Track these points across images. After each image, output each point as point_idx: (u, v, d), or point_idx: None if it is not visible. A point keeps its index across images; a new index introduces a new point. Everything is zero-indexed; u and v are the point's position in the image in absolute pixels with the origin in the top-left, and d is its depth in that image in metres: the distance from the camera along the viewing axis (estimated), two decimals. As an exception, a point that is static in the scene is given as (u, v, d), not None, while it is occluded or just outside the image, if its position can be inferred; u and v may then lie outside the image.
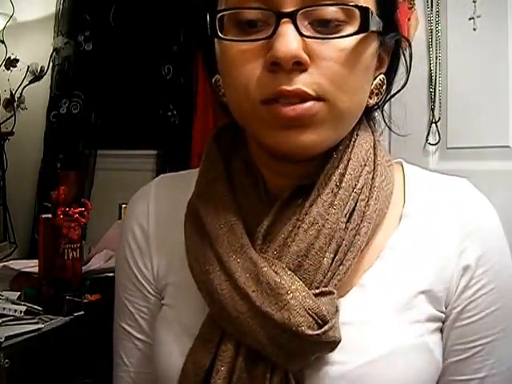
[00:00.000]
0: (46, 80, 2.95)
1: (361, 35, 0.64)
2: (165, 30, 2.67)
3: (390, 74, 0.75)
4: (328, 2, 0.62)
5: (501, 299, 0.71)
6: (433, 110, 1.86)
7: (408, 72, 0.77)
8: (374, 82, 0.72)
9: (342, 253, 0.66)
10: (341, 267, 0.67)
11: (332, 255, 0.66)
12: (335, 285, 0.66)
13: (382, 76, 0.72)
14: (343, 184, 0.68)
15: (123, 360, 0.84)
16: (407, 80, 0.78)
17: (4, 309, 1.53)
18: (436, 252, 0.71)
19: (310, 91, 0.63)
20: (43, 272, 1.69)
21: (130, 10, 2.81)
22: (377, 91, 0.72)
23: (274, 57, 0.61)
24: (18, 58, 3.00)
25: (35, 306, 1.57)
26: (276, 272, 0.65)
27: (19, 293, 1.67)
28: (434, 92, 1.86)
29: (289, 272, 0.65)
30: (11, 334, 1.40)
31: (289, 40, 0.61)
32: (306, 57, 0.62)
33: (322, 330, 0.63)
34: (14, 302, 1.58)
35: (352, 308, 0.68)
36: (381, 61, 0.72)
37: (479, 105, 1.77)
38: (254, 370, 0.66)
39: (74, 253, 1.71)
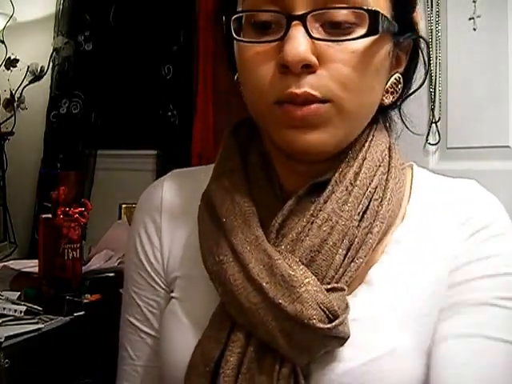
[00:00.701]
0: (46, 80, 2.95)
1: (371, 38, 0.65)
2: (165, 30, 2.67)
3: (409, 73, 0.76)
4: (338, 6, 0.63)
5: (500, 269, 0.70)
6: (433, 109, 1.86)
7: (426, 71, 0.78)
8: (390, 81, 0.72)
9: (354, 250, 0.67)
10: (352, 264, 0.68)
11: (344, 252, 0.67)
12: (346, 281, 0.67)
13: (397, 75, 0.73)
14: (358, 182, 0.69)
15: (129, 353, 0.84)
16: (425, 79, 0.78)
17: (4, 309, 1.53)
18: (440, 246, 0.71)
19: (317, 94, 0.64)
20: (43, 272, 1.70)
21: (129, 10, 2.81)
22: (392, 90, 0.73)
23: (284, 60, 0.63)
24: (18, 57, 3.00)
25: (35, 306, 1.57)
26: (289, 265, 0.66)
27: (19, 293, 1.68)
28: (434, 92, 1.86)
29: (302, 266, 0.66)
30: (11, 333, 1.41)
31: (298, 43, 0.62)
32: (314, 59, 0.63)
33: (333, 323, 0.63)
34: (14, 302, 1.59)
35: (359, 305, 0.68)
36: (398, 60, 0.73)
37: (479, 105, 1.77)
38: (263, 361, 0.66)
39: (74, 253, 1.71)
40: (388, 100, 0.73)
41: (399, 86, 0.73)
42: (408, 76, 0.76)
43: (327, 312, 0.64)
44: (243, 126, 0.80)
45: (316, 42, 0.63)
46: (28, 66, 2.98)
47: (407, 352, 0.67)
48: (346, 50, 0.64)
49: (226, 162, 0.76)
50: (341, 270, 0.67)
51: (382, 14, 0.65)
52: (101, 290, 1.72)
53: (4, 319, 1.49)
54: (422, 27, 1.86)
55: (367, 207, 0.69)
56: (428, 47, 0.77)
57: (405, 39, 0.72)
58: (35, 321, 1.51)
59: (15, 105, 3.00)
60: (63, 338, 1.55)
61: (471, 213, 0.72)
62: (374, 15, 0.64)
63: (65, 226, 1.70)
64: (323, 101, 0.64)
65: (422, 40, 0.76)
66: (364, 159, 0.70)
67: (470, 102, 1.79)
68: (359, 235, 0.68)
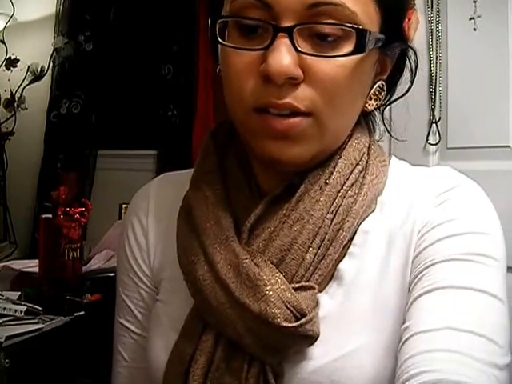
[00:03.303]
0: (47, 80, 2.95)
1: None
2: (165, 30, 2.67)
3: (393, 80, 0.75)
4: (325, 21, 0.62)
5: (460, 229, 0.68)
6: (433, 109, 1.86)
7: (412, 79, 0.77)
8: (373, 89, 0.72)
9: (324, 248, 0.68)
10: (322, 262, 0.68)
11: (315, 251, 0.67)
12: (316, 279, 0.68)
13: (381, 82, 0.72)
14: (330, 181, 0.69)
15: (122, 356, 0.85)
16: (411, 87, 0.78)
17: (4, 309, 1.53)
18: (409, 225, 0.69)
19: (300, 106, 0.63)
20: (43, 272, 1.70)
21: (130, 10, 2.81)
22: (375, 97, 0.72)
23: (267, 71, 0.62)
24: (18, 57, 3.00)
25: (35, 306, 1.57)
26: (257, 265, 0.66)
27: (19, 293, 1.67)
28: (435, 92, 1.86)
29: (270, 265, 0.66)
30: (12, 333, 1.41)
31: (282, 56, 0.61)
32: (298, 72, 0.62)
33: (299, 322, 0.64)
34: (14, 302, 1.59)
35: (329, 302, 0.69)
36: (383, 66, 0.72)
37: (480, 105, 1.77)
38: (233, 360, 0.67)
39: (75, 253, 1.71)
40: (371, 107, 0.73)
41: (382, 94, 0.73)
42: (392, 82, 0.75)
43: (294, 311, 0.64)
44: (223, 127, 0.79)
45: (301, 54, 0.62)
46: (28, 66, 2.98)
47: (377, 348, 0.66)
48: (332, 64, 0.63)
49: (204, 163, 0.76)
50: (311, 268, 0.67)
51: (370, 32, 0.64)
52: (101, 289, 1.73)
53: (4, 319, 1.49)
54: (422, 27, 1.86)
55: (341, 205, 0.68)
56: (416, 55, 0.76)
57: (392, 48, 0.71)
58: (35, 321, 1.52)
59: (15, 105, 3.00)
60: (63, 337, 1.55)
61: (441, 189, 0.70)
62: (361, 33, 0.63)
63: (65, 225, 1.70)
64: (306, 114, 0.64)
65: (410, 48, 0.75)
66: (339, 158, 0.70)
67: (471, 101, 1.79)
68: (330, 232, 0.68)
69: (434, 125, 1.87)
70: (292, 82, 0.63)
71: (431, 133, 1.87)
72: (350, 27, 0.63)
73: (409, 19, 1.80)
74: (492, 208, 0.71)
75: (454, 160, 1.80)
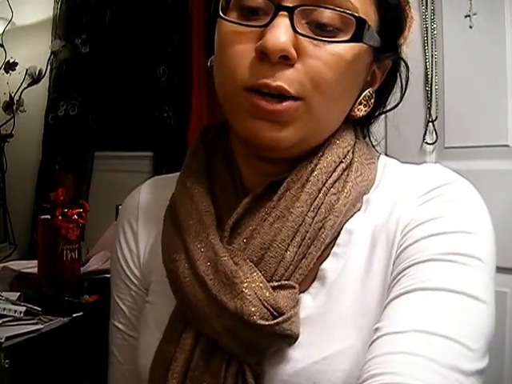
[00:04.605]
0: (44, 83, 2.96)
1: (354, 44, 0.65)
2: (159, 32, 2.67)
3: (383, 93, 0.76)
4: (327, 6, 0.64)
5: (444, 228, 0.66)
6: (429, 108, 1.86)
7: (402, 94, 0.78)
8: (363, 94, 0.72)
9: (305, 246, 0.67)
10: (303, 261, 0.67)
11: (295, 249, 0.67)
12: (297, 279, 0.67)
13: (371, 89, 0.73)
14: (311, 178, 0.68)
15: (116, 357, 0.85)
16: (400, 101, 0.79)
17: (4, 309, 1.53)
18: (393, 224, 0.68)
19: (291, 89, 0.64)
20: (42, 272, 1.70)
21: (125, 14, 2.81)
22: (365, 103, 0.73)
23: (263, 46, 0.63)
24: (16, 61, 3.01)
25: (35, 307, 1.57)
26: (236, 263, 0.66)
27: (19, 293, 1.67)
28: (431, 91, 1.85)
29: (249, 264, 0.66)
30: (11, 334, 1.41)
31: (280, 32, 0.62)
32: (293, 52, 0.63)
33: (276, 320, 0.63)
34: (13, 303, 1.58)
35: (311, 303, 0.68)
36: (373, 77, 0.73)
37: (477, 103, 1.76)
38: (212, 359, 0.67)
39: (73, 254, 1.71)
40: (360, 112, 0.73)
41: (372, 100, 0.73)
42: (382, 95, 0.76)
43: (271, 309, 0.64)
44: (211, 129, 0.80)
45: (298, 36, 0.63)
46: (26, 69, 2.99)
47: (359, 350, 0.64)
48: (327, 52, 0.64)
49: (192, 162, 0.77)
50: (291, 267, 0.67)
51: (369, 25, 0.66)
52: (99, 290, 1.72)
53: (4, 320, 1.49)
54: (417, 25, 1.86)
55: (323, 202, 0.68)
56: (408, 70, 0.77)
57: (385, 58, 0.72)
58: (35, 321, 1.51)
59: (14, 107, 3.01)
60: (62, 338, 1.55)
61: (428, 187, 0.69)
62: (360, 23, 0.65)
63: (63, 226, 1.70)
64: (295, 98, 0.64)
65: (402, 63, 0.76)
66: (321, 156, 0.70)
67: (468, 100, 1.79)
68: (311, 230, 0.67)
69: (430, 124, 1.86)
70: (285, 63, 0.63)
71: (428, 132, 1.87)
72: (350, 14, 0.64)
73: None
74: (482, 207, 0.69)
75: (451, 159, 1.80)
